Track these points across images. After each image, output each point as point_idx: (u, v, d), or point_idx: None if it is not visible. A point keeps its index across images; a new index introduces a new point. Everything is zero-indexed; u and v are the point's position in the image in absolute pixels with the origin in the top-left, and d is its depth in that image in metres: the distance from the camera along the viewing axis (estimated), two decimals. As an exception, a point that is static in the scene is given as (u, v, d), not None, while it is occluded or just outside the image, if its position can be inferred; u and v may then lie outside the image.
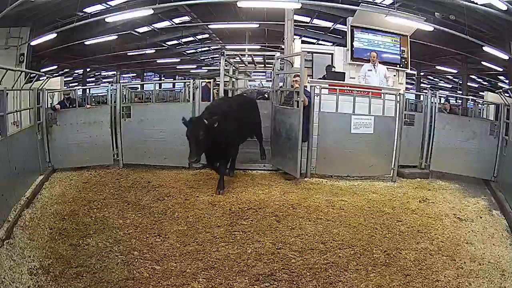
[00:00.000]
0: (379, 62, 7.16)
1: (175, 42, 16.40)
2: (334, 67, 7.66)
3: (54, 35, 9.35)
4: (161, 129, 6.10)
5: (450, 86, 19.54)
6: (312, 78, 7.06)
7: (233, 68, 8.37)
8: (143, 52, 15.37)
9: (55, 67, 15.57)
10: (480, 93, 16.30)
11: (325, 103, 5.85)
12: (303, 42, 9.65)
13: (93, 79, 20.69)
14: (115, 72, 19.41)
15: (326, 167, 5.84)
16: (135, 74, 21.60)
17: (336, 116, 5.78)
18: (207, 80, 7.43)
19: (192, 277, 3.02)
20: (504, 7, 7.06)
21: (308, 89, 5.84)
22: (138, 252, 3.41)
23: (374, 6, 8.84)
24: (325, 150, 5.79)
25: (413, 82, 17.93)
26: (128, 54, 15.46)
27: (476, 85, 17.71)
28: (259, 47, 13.84)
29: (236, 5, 8.38)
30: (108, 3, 10.14)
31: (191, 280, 2.97)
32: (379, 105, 5.84)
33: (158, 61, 17.74)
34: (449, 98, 11.67)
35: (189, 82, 6.70)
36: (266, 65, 9.10)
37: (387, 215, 4.44)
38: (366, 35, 8.22)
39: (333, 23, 12.31)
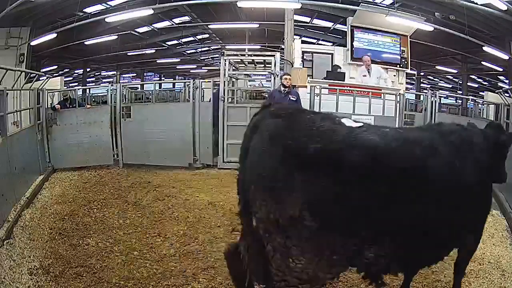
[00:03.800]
0: (376, 62, 7.11)
1: (175, 42, 16.39)
2: (340, 68, 7.61)
3: (54, 35, 9.36)
4: (161, 129, 6.12)
5: (450, 86, 19.54)
6: (312, 78, 7.06)
7: (233, 68, 8.34)
8: (143, 52, 15.36)
9: (55, 67, 15.57)
10: (480, 93, 16.29)
11: (325, 103, 5.85)
12: (303, 42, 9.64)
13: (93, 79, 20.69)
14: (115, 72, 19.40)
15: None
16: (135, 74, 21.60)
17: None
18: (207, 81, 7.39)
19: (192, 277, 3.02)
20: (504, 7, 7.07)
21: (308, 89, 5.84)
22: (138, 252, 3.40)
23: (374, 6, 8.85)
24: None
25: (413, 82, 17.92)
26: (128, 54, 15.46)
27: (476, 85, 17.69)
28: (259, 47, 13.84)
29: (236, 5, 8.39)
30: (108, 3, 10.15)
31: (191, 280, 2.97)
32: (379, 105, 5.84)
33: (158, 61, 17.72)
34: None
35: (189, 82, 6.71)
36: (266, 66, 9.08)
37: (387, 215, 4.43)
38: (366, 35, 8.23)
39: (333, 23, 12.29)
